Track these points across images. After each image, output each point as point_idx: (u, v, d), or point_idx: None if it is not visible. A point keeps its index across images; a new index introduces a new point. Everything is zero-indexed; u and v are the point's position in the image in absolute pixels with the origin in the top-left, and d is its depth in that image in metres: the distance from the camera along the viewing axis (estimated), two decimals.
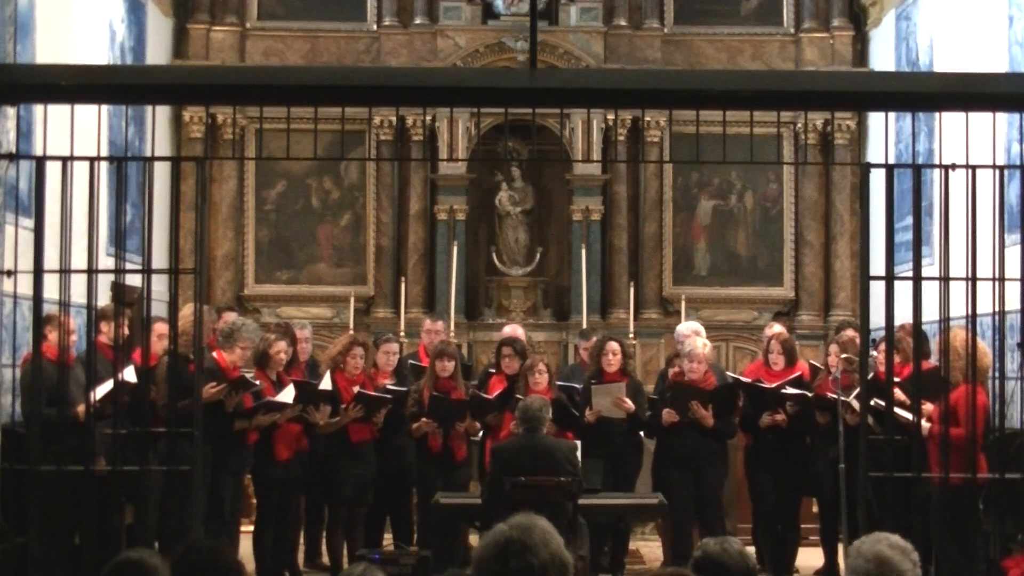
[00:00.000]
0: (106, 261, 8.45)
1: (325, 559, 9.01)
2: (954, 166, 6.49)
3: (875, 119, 12.31)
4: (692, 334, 8.98)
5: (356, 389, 8.51)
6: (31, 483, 6.51)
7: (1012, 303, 6.47)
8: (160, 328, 7.70)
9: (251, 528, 8.65)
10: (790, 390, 8.47)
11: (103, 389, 7.04)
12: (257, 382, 8.13)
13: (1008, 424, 7.49)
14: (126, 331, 7.50)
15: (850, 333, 8.74)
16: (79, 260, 6.44)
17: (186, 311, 7.53)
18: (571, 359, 11.14)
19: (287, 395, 8.19)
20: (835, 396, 8.02)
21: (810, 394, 8.44)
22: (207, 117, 11.88)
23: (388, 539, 9.12)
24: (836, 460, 8.03)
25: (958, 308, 6.45)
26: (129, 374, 7.13)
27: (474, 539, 8.38)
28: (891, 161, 6.64)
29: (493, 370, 9.12)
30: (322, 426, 8.43)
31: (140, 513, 7.55)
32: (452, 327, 11.29)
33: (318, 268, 12.85)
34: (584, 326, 11.27)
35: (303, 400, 8.27)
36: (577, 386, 8.97)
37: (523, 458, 7.33)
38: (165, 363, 7.37)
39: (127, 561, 3.41)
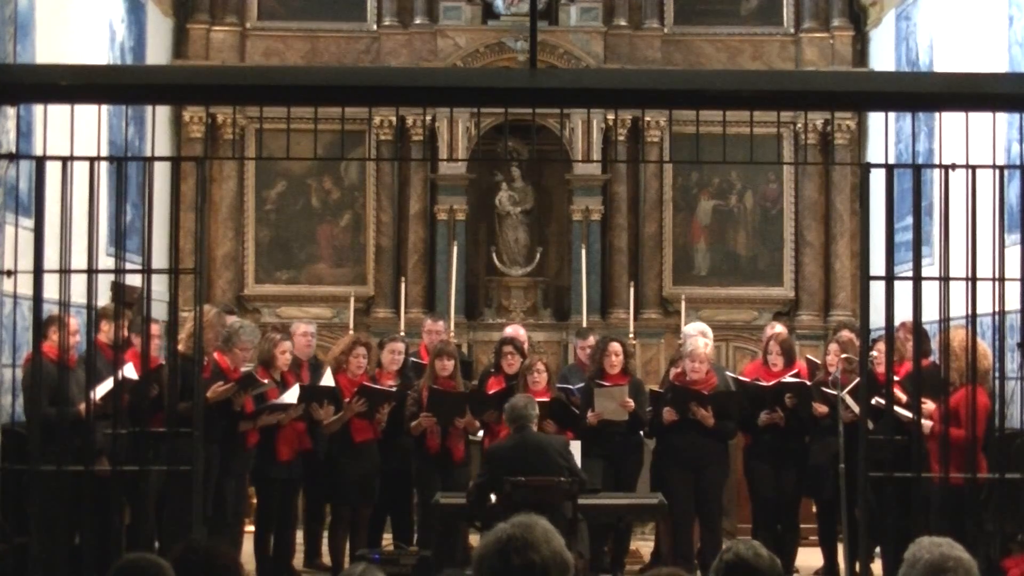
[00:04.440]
0: (106, 261, 8.45)
1: (325, 559, 9.01)
2: (954, 166, 6.50)
3: (875, 119, 12.30)
4: (698, 334, 8.99)
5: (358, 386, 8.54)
6: (31, 483, 6.51)
7: (1012, 303, 6.47)
8: (153, 329, 7.71)
9: (252, 528, 8.66)
10: (789, 379, 8.51)
11: (104, 388, 7.05)
12: (265, 381, 8.16)
13: (1008, 424, 7.48)
14: (126, 332, 7.50)
15: (847, 334, 8.74)
16: (79, 260, 6.44)
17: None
18: (571, 359, 11.14)
19: (291, 395, 8.20)
20: (834, 393, 8.04)
21: (809, 383, 8.48)
22: (207, 117, 11.90)
23: (388, 539, 9.13)
24: (835, 456, 8.04)
25: (958, 308, 6.45)
26: (129, 372, 7.14)
27: (474, 539, 8.39)
28: (891, 161, 6.64)
29: (492, 371, 9.13)
30: (325, 424, 8.44)
31: (138, 513, 7.55)
32: (452, 327, 11.30)
33: (318, 268, 12.84)
34: (585, 326, 11.27)
35: (306, 398, 8.29)
36: (572, 388, 8.97)
37: (516, 457, 7.32)
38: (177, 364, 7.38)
39: (132, 562, 3.41)
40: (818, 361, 9.00)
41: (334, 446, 8.55)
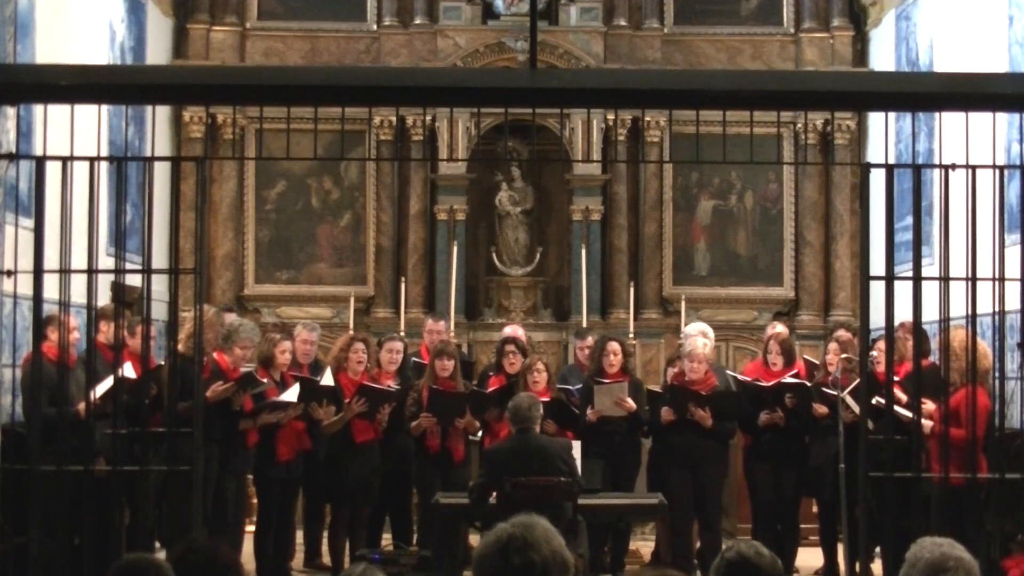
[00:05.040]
0: (106, 261, 8.45)
1: (325, 559, 9.01)
2: (954, 166, 6.49)
3: (875, 119, 12.30)
4: (698, 335, 8.99)
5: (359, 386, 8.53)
6: (31, 483, 6.51)
7: (1012, 303, 6.47)
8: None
9: (252, 528, 8.66)
10: (789, 379, 8.51)
11: (103, 387, 7.05)
12: (264, 380, 8.16)
13: (1008, 424, 7.48)
14: (125, 332, 7.50)
15: (846, 334, 8.74)
16: (79, 260, 6.43)
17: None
18: (571, 359, 11.15)
19: (291, 394, 8.19)
20: (834, 393, 8.04)
21: (808, 383, 8.48)
22: (207, 117, 11.90)
23: (387, 539, 9.13)
24: (835, 456, 8.04)
25: (958, 308, 6.45)
26: (128, 371, 7.14)
27: (474, 539, 8.39)
28: (891, 161, 6.64)
29: (492, 372, 9.13)
30: (326, 424, 8.44)
31: (137, 513, 7.56)
32: (452, 327, 11.29)
33: (318, 268, 12.84)
34: (584, 326, 11.27)
35: (306, 397, 8.28)
36: (572, 388, 8.97)
37: (516, 459, 7.30)
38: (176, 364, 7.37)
39: (131, 562, 3.41)
40: (816, 362, 9.00)
41: (335, 446, 8.55)
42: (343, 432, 8.51)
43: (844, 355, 8.22)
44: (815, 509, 8.94)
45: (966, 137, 6.40)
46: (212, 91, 7.14)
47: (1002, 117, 7.31)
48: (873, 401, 7.16)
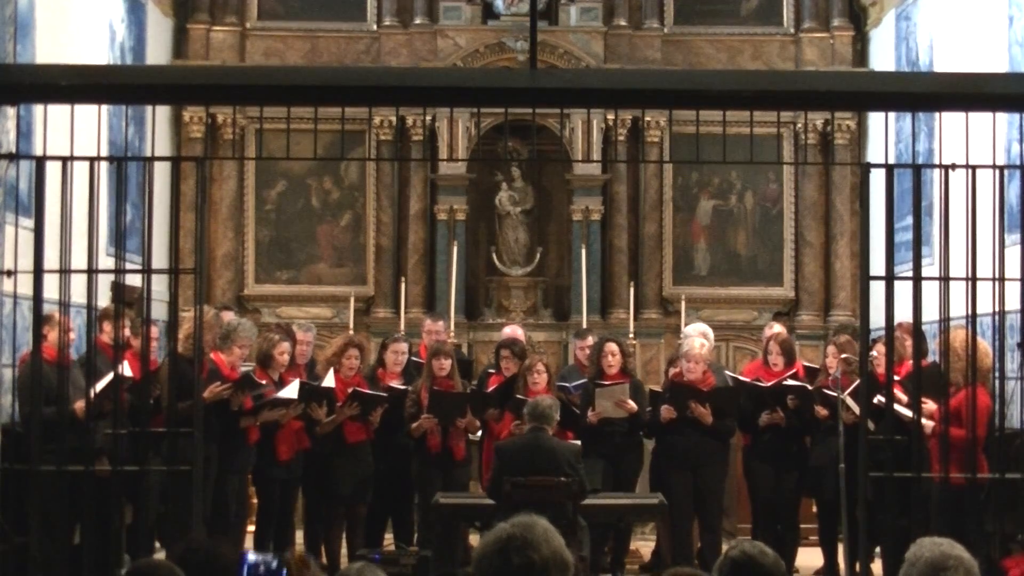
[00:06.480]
0: (106, 261, 8.45)
1: (325, 559, 9.01)
2: (954, 166, 6.50)
3: (875, 119, 12.30)
4: (698, 335, 8.99)
5: (351, 390, 8.53)
6: (31, 483, 6.51)
7: (1012, 303, 6.47)
8: (152, 331, 7.70)
9: (252, 528, 8.66)
10: (790, 382, 8.50)
11: (102, 384, 7.04)
12: (263, 382, 8.15)
13: (1008, 424, 7.48)
14: (126, 332, 7.50)
15: (845, 336, 8.73)
16: (79, 260, 6.44)
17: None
18: (571, 359, 11.15)
19: (291, 390, 8.19)
20: (834, 395, 8.04)
21: (810, 386, 8.48)
22: (207, 117, 11.90)
23: (389, 539, 9.13)
24: (836, 457, 8.04)
25: (958, 308, 6.45)
26: (125, 370, 7.13)
27: (474, 539, 8.39)
28: (891, 161, 6.64)
29: (492, 370, 9.14)
30: (320, 426, 8.45)
31: (138, 513, 7.55)
32: (452, 327, 11.30)
33: (318, 268, 12.85)
34: (584, 326, 11.27)
35: (306, 396, 8.29)
36: (569, 386, 8.97)
37: (525, 457, 7.34)
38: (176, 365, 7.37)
39: (142, 568, 3.42)
40: (817, 367, 8.98)
41: (327, 447, 8.56)
42: (335, 433, 8.52)
43: (844, 356, 8.21)
44: (815, 509, 8.93)
45: (966, 137, 6.41)
46: (212, 91, 7.15)
47: (1002, 117, 7.31)
48: (874, 401, 7.16)
